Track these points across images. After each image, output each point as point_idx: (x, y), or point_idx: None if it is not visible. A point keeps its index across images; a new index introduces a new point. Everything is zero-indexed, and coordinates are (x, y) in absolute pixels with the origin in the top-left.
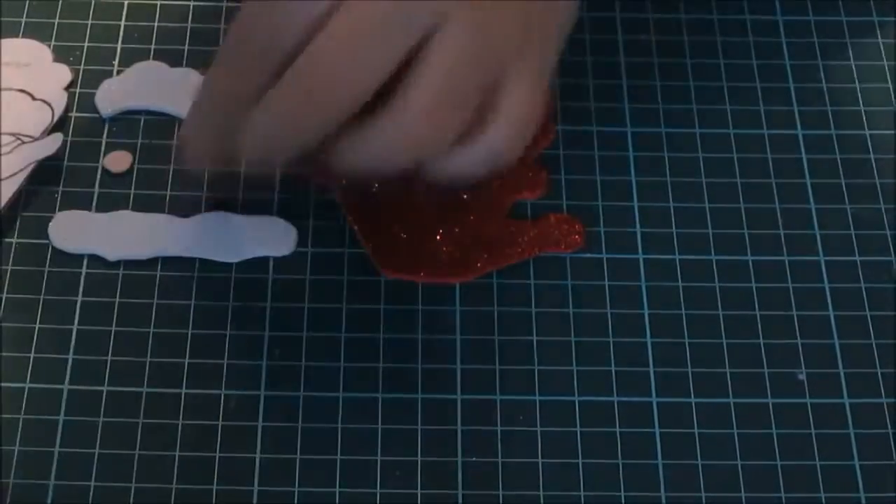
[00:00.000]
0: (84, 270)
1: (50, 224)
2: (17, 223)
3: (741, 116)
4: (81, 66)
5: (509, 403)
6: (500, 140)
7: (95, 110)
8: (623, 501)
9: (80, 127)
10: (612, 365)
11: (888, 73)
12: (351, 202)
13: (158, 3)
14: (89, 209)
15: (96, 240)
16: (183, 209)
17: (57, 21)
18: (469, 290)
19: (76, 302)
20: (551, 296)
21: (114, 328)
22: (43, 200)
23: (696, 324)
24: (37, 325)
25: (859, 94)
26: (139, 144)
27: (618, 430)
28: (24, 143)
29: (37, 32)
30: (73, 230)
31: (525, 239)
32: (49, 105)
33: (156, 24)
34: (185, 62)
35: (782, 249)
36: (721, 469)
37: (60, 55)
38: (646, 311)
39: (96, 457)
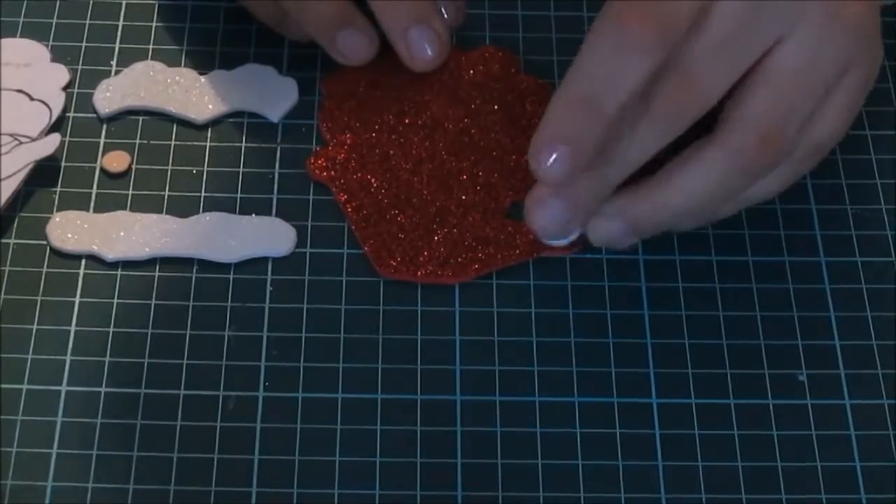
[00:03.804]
0: (82, 271)
1: (48, 224)
2: (15, 224)
3: None
4: (79, 66)
5: (509, 404)
6: (823, 147)
7: (93, 110)
8: (623, 503)
9: (78, 127)
10: (612, 366)
11: (889, 74)
12: (351, 202)
13: (156, 2)
14: (87, 209)
15: (94, 240)
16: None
17: (55, 21)
18: (468, 291)
19: (74, 303)
20: (551, 296)
21: (112, 329)
22: (41, 201)
23: (696, 324)
24: (34, 327)
25: None
26: (137, 144)
27: (617, 431)
28: (21, 143)
29: (35, 32)
30: (72, 230)
31: (524, 240)
32: (47, 105)
33: (154, 24)
34: (183, 62)
35: (783, 250)
36: (721, 470)
37: (58, 55)
38: (646, 312)
39: (94, 458)
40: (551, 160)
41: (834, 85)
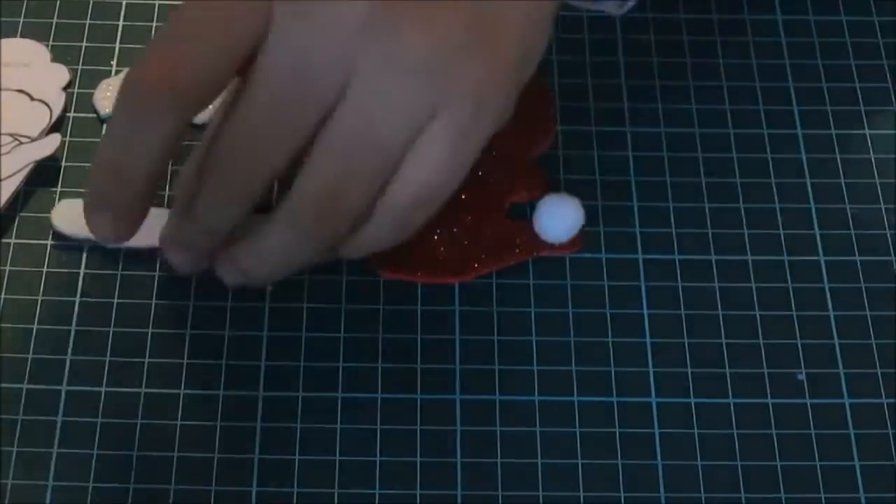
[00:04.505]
0: (82, 271)
1: (53, 210)
2: (16, 223)
3: (740, 116)
4: (79, 66)
5: (508, 404)
6: (405, 208)
7: (93, 110)
8: (622, 502)
9: (79, 127)
10: (612, 365)
11: (888, 73)
12: None
13: (156, 2)
14: None
15: None
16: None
17: (55, 21)
18: (468, 290)
19: (74, 302)
20: (551, 296)
21: (112, 328)
22: (41, 201)
23: (695, 324)
24: (35, 326)
25: (859, 94)
26: None
27: (617, 430)
28: (22, 143)
29: (35, 32)
30: (77, 217)
31: (523, 240)
32: (47, 105)
33: (154, 24)
34: None
35: (782, 249)
36: (721, 469)
37: (58, 55)
38: (645, 312)
39: (95, 457)
40: (97, 220)
41: (414, 135)
